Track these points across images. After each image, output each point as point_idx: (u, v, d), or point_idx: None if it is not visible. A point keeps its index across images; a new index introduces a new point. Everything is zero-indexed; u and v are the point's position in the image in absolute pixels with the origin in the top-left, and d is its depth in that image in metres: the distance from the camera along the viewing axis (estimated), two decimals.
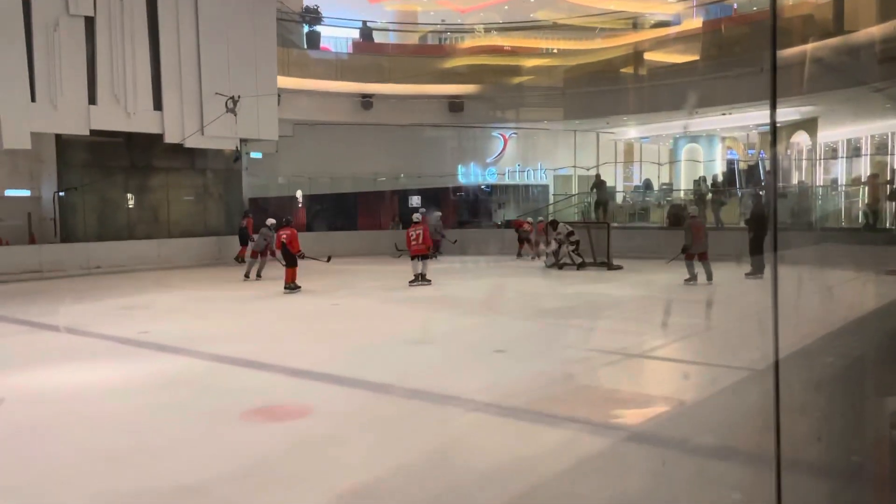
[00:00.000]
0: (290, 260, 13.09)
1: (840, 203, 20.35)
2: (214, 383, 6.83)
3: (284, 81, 20.17)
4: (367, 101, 22.56)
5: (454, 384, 6.50)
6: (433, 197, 24.92)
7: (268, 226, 15.10)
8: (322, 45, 23.88)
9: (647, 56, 22.60)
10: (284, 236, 13.09)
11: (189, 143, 18.20)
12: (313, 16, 23.39)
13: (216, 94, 17.98)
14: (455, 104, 23.50)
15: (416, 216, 14.31)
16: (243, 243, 18.35)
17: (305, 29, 23.77)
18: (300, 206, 22.21)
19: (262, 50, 19.15)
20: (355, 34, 24.51)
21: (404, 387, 6.47)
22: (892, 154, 20.37)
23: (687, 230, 13.41)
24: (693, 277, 12.92)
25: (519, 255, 19.46)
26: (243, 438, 5.16)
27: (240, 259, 18.31)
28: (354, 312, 11.46)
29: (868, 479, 2.92)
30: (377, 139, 22.65)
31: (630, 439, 4.94)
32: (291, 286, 13.04)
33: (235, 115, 18.02)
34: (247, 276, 15.17)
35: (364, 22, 24.36)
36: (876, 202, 17.39)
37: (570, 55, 24.84)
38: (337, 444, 5.04)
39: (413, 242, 13.64)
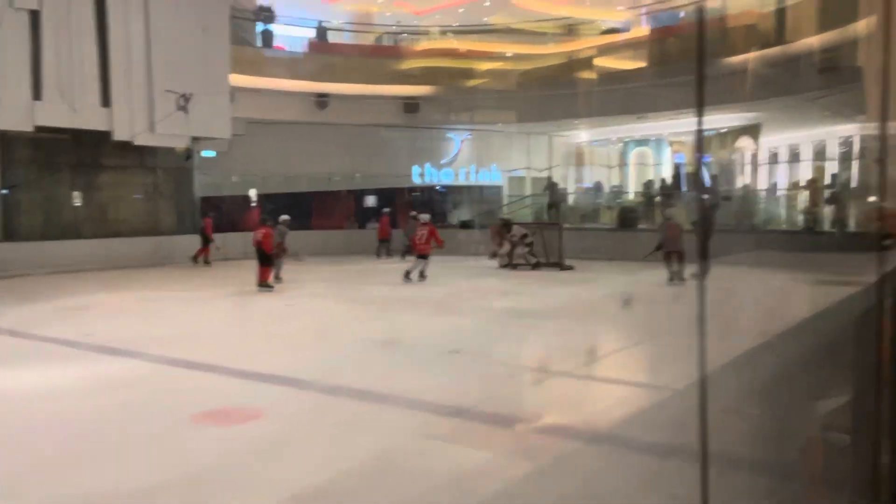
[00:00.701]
0: (265, 259, 13.08)
1: (781, 207, 21.05)
2: (163, 386, 6.76)
3: (238, 79, 19.94)
4: (322, 100, 22.45)
5: (408, 386, 6.55)
6: (389, 197, 24.92)
7: (282, 222, 14.72)
8: (276, 43, 23.65)
9: (598, 61, 23.02)
10: (260, 235, 13.13)
11: (138, 141, 17.85)
12: (267, 14, 23.14)
13: (167, 91, 17.68)
14: (410, 105, 23.55)
15: (424, 217, 15.06)
16: (204, 244, 18.12)
17: (259, 27, 23.50)
18: (254, 205, 21.95)
19: (214, 47, 18.90)
20: (311, 33, 24.34)
21: (357, 388, 6.50)
22: (830, 160, 21.15)
23: (662, 231, 13.89)
24: (674, 276, 13.25)
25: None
26: (192, 442, 5.14)
27: (196, 259, 18.05)
28: (308, 313, 11.43)
29: (802, 479, 3.09)
30: (332, 139, 22.55)
31: (583, 439, 5.09)
32: (265, 285, 13.03)
33: (187, 112, 17.76)
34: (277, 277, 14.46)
35: (319, 22, 24.21)
36: (815, 206, 18.05)
37: (523, 59, 25.14)
38: (288, 447, 5.05)
39: (419, 242, 14.34)
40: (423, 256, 14.32)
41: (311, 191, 23.79)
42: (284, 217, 14.92)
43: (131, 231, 19.33)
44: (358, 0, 24.82)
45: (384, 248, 20.49)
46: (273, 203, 22.86)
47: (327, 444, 5.10)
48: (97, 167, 19.14)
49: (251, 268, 13.51)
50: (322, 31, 24.43)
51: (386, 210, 21.71)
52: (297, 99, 22.19)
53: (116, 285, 14.55)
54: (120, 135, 17.54)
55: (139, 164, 19.84)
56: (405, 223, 20.00)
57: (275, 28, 23.62)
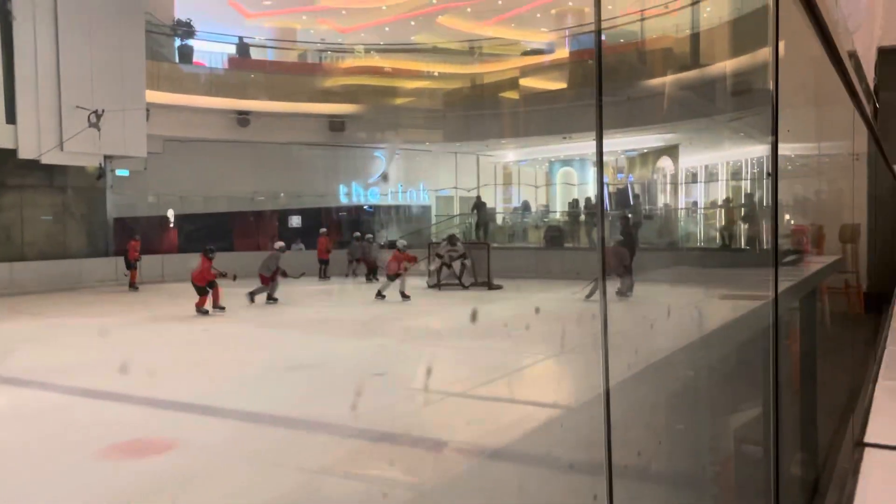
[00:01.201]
0: (201, 289, 12.65)
1: (699, 225, 21.80)
2: (71, 418, 6.34)
3: (154, 96, 19.29)
4: (243, 118, 21.98)
5: (329, 411, 6.35)
6: (315, 216, 24.55)
7: (277, 248, 14.78)
8: (196, 59, 23.07)
9: (524, 82, 23.42)
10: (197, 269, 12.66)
11: (46, 160, 16.98)
12: (186, 29, 22.57)
13: (77, 107, 16.93)
14: (336, 123, 23.34)
15: (401, 243, 15.58)
16: (129, 267, 17.22)
17: (177, 42, 22.88)
18: (171, 226, 21.21)
19: (129, 62, 18.23)
20: (231, 49, 23.87)
21: (278, 415, 6.27)
22: (745, 179, 22.07)
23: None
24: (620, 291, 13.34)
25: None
26: (102, 477, 4.83)
27: (132, 285, 17.08)
28: (227, 338, 11.04)
29: (716, 490, 3.07)
30: (255, 157, 22.07)
31: (489, 455, 5.00)
32: (203, 310, 12.63)
33: (99, 129, 17.04)
34: (272, 298, 14.36)
35: (240, 37, 23.78)
36: (731, 224, 18.76)
37: (449, 78, 25.34)
38: (204, 478, 4.80)
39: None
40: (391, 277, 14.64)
41: (233, 211, 23.19)
42: (280, 243, 15.13)
43: (39, 254, 18.30)
44: (281, 16, 24.55)
45: (324, 268, 19.78)
46: (192, 224, 22.17)
47: (247, 474, 4.86)
48: (1, 187, 18.12)
49: (168, 292, 12.99)
50: (243, 48, 24.00)
51: (323, 230, 20.97)
52: (217, 116, 21.66)
53: (21, 311, 13.72)
54: (26, 153, 16.65)
55: (48, 183, 18.86)
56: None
57: (194, 43, 23.05)
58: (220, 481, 4.79)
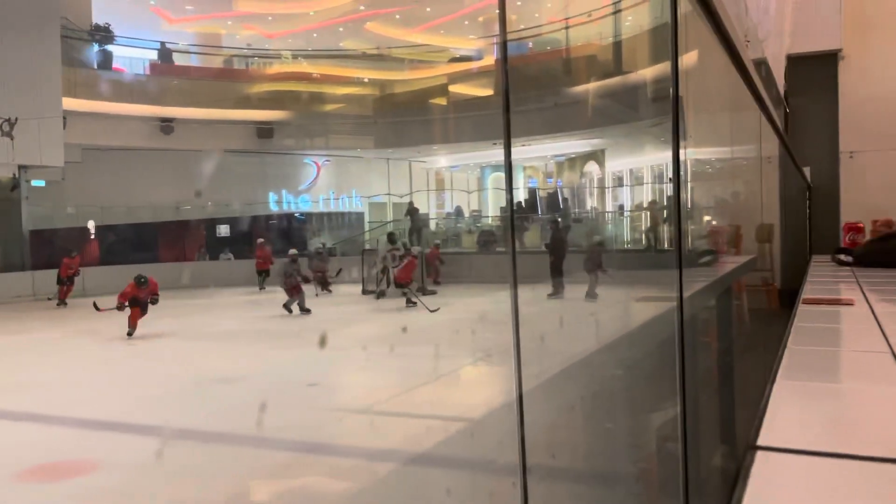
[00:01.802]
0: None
1: (626, 227, 22.38)
2: None
3: (71, 103, 18.52)
4: (167, 125, 21.34)
5: (261, 423, 6.24)
6: (244, 226, 24.03)
7: (290, 257, 14.38)
8: (115, 65, 22.27)
9: (453, 88, 23.59)
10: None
11: None
12: (104, 34, 21.77)
13: None
14: (264, 130, 22.94)
15: (417, 249, 15.93)
16: (60, 283, 16.32)
17: (95, 47, 22.04)
18: (92, 237, 20.40)
19: (44, 68, 17.46)
20: (153, 55, 23.15)
21: (205, 430, 6.12)
22: (668, 183, 22.78)
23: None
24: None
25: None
26: (21, 501, 4.66)
27: (62, 301, 16.18)
28: (154, 353, 10.68)
29: (639, 490, 3.14)
30: (180, 165, 21.46)
31: (423, 462, 5.01)
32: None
33: (12, 138, 16.27)
34: (305, 309, 13.81)
35: (162, 43, 23.10)
36: (655, 226, 19.32)
37: (379, 85, 25.29)
38: (128, 498, 4.65)
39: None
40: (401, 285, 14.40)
41: (157, 221, 22.49)
42: (293, 251, 14.83)
43: None
44: (204, 21, 24.00)
45: (262, 279, 18.40)
46: (115, 235, 21.41)
47: (174, 492, 4.73)
48: None
49: (87, 306, 12.48)
50: (166, 53, 23.32)
51: (260, 241, 19.76)
52: (139, 123, 20.96)
53: None
54: None
55: None
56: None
57: (113, 49, 22.26)
58: (145, 500, 4.64)
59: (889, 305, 1.26)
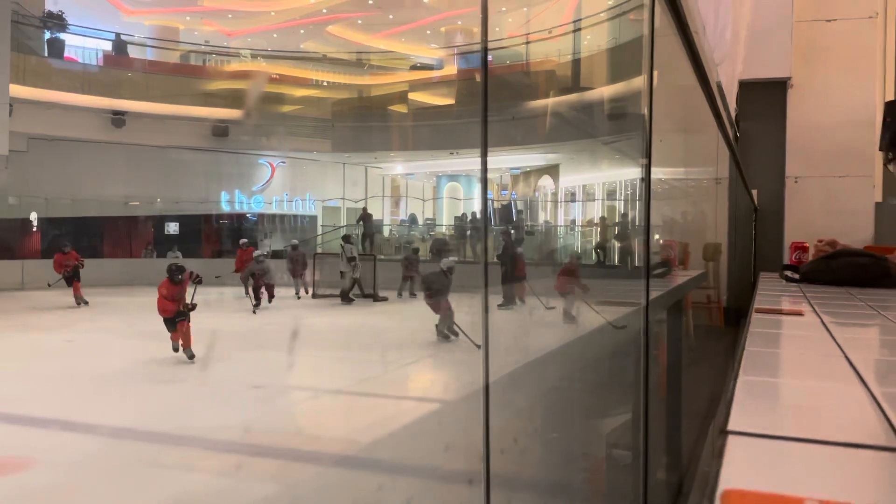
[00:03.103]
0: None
1: (577, 241, 22.73)
2: None
3: (19, 91, 17.90)
4: (118, 118, 20.82)
5: (202, 424, 6.12)
6: (194, 224, 23.60)
7: (293, 246, 15.10)
8: (67, 54, 21.66)
9: (413, 96, 23.65)
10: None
11: None
12: (57, 22, 21.17)
13: None
14: (219, 128, 22.57)
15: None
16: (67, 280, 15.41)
17: (47, 35, 21.41)
18: (35, 229, 19.75)
19: None
20: (107, 46, 22.60)
21: (148, 430, 5.98)
22: (620, 199, 23.24)
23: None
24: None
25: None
26: None
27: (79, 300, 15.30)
28: (93, 349, 10.39)
29: (588, 497, 3.18)
30: (130, 160, 20.94)
31: (366, 464, 4.99)
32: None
33: None
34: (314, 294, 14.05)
35: (118, 34, 22.57)
36: (605, 241, 19.68)
37: (338, 89, 25.18)
38: (62, 498, 4.50)
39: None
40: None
41: (104, 216, 21.89)
42: (295, 241, 15.52)
43: None
44: (163, 15, 23.55)
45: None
46: (58, 228, 20.80)
47: (114, 492, 4.61)
48: None
49: (27, 300, 12.07)
50: (121, 45, 22.79)
51: (244, 241, 17.48)
52: (89, 115, 20.39)
53: None
54: None
55: None
56: (209, 253, 18.88)
57: (66, 37, 21.65)
58: (84, 500, 4.52)
59: (836, 317, 1.32)
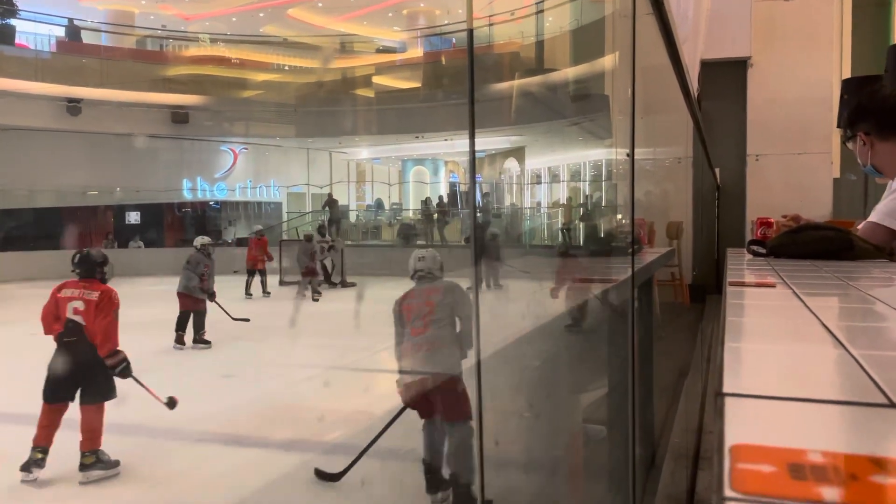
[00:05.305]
0: None
1: (543, 223, 22.89)
2: None
3: None
4: (73, 105, 20.29)
5: (174, 414, 6.05)
6: (155, 213, 23.18)
7: (305, 238, 14.72)
8: (18, 41, 21.00)
9: (376, 79, 23.46)
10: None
11: None
12: (6, 7, 20.50)
13: None
14: (179, 115, 22.13)
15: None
16: None
17: None
18: None
19: None
20: (60, 32, 21.97)
21: (120, 423, 5.89)
22: (584, 181, 23.44)
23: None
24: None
25: None
26: None
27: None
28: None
29: (565, 471, 3.23)
30: (87, 149, 20.45)
31: (339, 451, 5.01)
32: None
33: None
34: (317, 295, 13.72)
35: (71, 19, 21.95)
36: (570, 222, 19.87)
37: (301, 73, 24.85)
38: (33, 495, 4.50)
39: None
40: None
41: (61, 206, 21.38)
42: (308, 233, 15.01)
43: None
44: None
45: (261, 280, 14.90)
46: (15, 220, 20.30)
47: (86, 484, 4.57)
48: None
49: None
50: (74, 30, 22.18)
51: (259, 228, 16.03)
52: (43, 103, 19.83)
53: None
54: None
55: None
56: (171, 242, 18.56)
57: (16, 23, 20.99)
58: (57, 493, 4.50)
59: (807, 287, 1.37)
